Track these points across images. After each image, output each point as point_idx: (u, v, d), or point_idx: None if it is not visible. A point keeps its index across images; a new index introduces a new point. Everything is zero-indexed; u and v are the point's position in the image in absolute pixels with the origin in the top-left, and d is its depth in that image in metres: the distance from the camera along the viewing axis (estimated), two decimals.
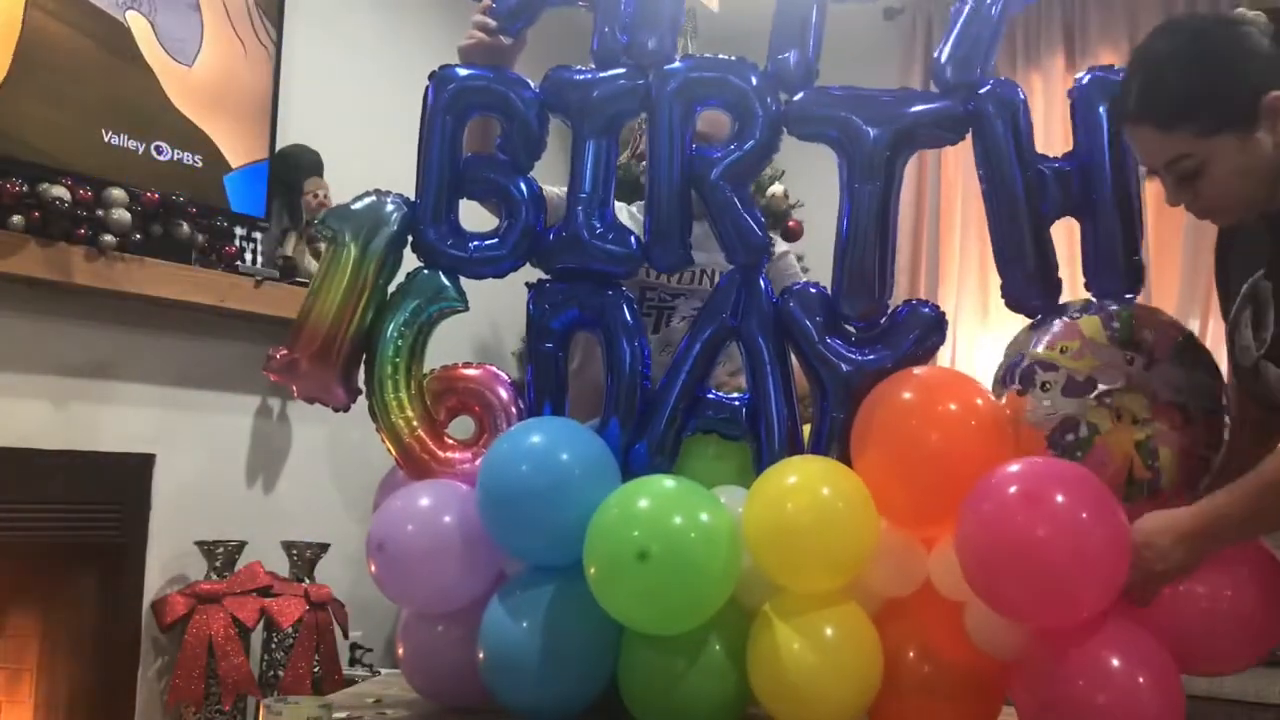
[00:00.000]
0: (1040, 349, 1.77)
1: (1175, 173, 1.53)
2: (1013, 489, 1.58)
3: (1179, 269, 3.96)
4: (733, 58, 1.98)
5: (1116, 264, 1.85)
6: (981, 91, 1.90)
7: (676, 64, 1.99)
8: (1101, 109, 1.85)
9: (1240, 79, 1.49)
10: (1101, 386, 1.71)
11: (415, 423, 1.98)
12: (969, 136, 1.93)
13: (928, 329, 1.90)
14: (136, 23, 2.90)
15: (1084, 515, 1.54)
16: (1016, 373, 1.78)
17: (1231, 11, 1.56)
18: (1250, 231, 1.64)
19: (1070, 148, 1.90)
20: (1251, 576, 1.65)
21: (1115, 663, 1.55)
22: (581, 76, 2.01)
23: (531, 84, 2.03)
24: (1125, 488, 1.68)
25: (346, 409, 2.05)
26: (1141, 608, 1.60)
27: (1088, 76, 1.89)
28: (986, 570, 1.59)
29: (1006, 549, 1.55)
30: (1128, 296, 1.84)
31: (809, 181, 3.68)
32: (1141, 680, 1.56)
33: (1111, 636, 1.58)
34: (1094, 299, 1.85)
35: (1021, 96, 1.91)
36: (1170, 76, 1.52)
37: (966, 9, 1.94)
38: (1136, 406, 1.70)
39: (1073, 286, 1.93)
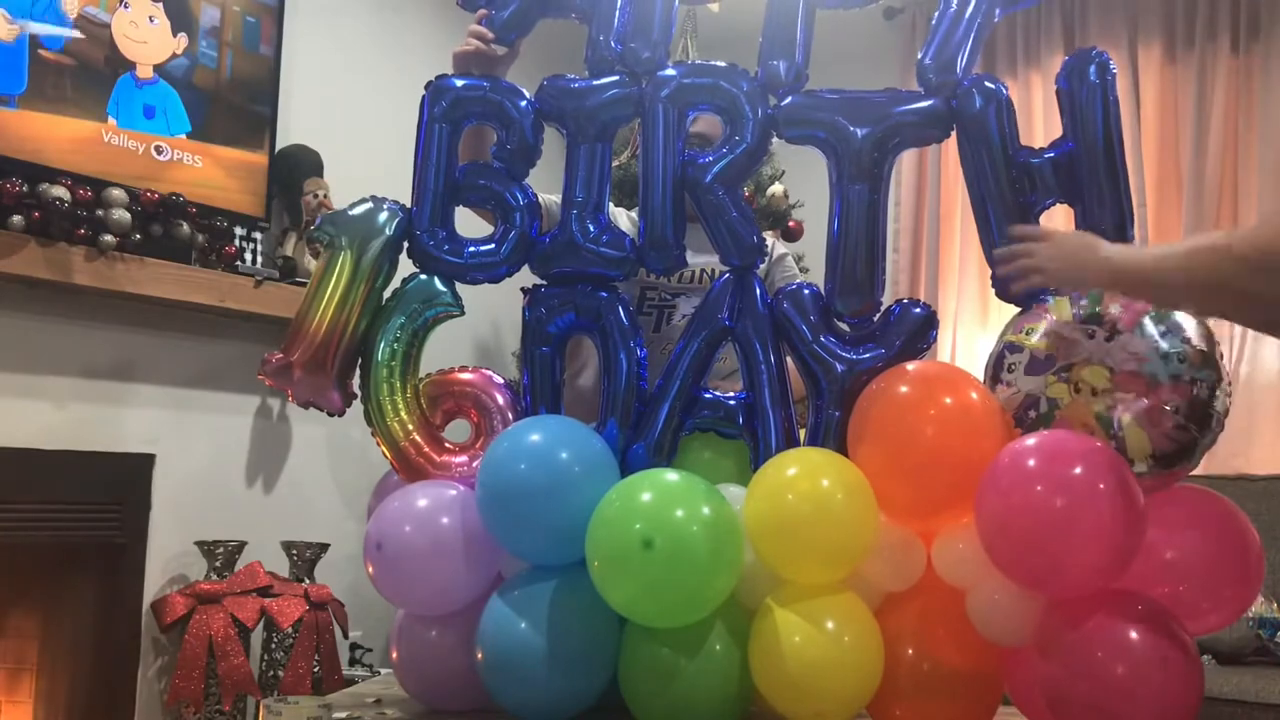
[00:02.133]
0: (1009, 334, 1.83)
1: None
2: (1030, 462, 1.62)
3: None
4: (724, 63, 2.00)
5: None
6: (963, 89, 1.93)
7: (669, 70, 2.01)
8: (1093, 84, 1.87)
9: None
10: (1060, 362, 1.75)
11: (411, 427, 1.98)
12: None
13: (920, 328, 1.92)
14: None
15: (1100, 484, 1.57)
16: (991, 364, 1.83)
17: None
18: None
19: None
20: (1223, 533, 1.69)
21: (1133, 634, 1.58)
22: (576, 84, 2.03)
23: (526, 93, 2.05)
24: None
25: (341, 414, 2.06)
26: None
27: (1074, 59, 1.92)
28: (1007, 539, 1.62)
29: (1026, 517, 1.58)
30: None
31: (809, 182, 3.67)
32: (1160, 649, 1.58)
33: (1124, 609, 1.61)
34: None
35: (1004, 91, 1.93)
36: None
37: (950, 11, 1.97)
38: (1095, 378, 1.73)
39: None
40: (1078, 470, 1.59)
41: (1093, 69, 1.89)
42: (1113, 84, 1.90)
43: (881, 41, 4.44)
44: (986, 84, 1.93)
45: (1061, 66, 1.93)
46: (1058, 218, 1.97)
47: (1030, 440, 1.67)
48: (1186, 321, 1.75)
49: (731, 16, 3.60)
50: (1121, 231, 1.85)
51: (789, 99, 1.99)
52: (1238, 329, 3.72)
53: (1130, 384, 1.72)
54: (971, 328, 4.32)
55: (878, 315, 1.95)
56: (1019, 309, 1.90)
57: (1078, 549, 1.57)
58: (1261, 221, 1.46)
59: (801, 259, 3.39)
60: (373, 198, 2.05)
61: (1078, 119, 1.89)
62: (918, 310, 1.93)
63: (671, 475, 1.79)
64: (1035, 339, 1.79)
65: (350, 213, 2.03)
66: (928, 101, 1.96)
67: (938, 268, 4.43)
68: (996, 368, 1.82)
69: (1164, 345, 1.72)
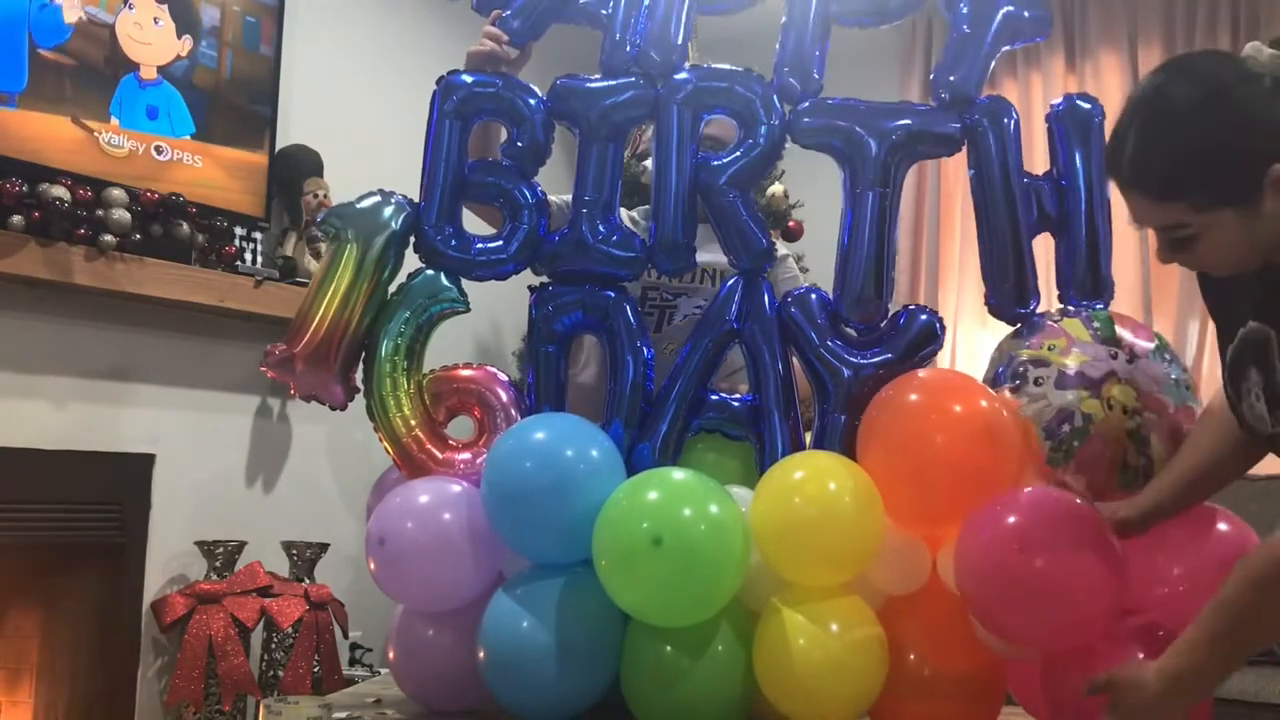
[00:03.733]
0: (1028, 350, 1.84)
1: (1168, 238, 1.40)
2: (1011, 520, 1.62)
3: (1179, 271, 3.96)
4: (740, 68, 2.03)
5: (1086, 277, 1.95)
6: (975, 110, 1.98)
7: (684, 74, 2.03)
8: (1075, 136, 1.97)
9: (1243, 151, 1.33)
10: (1091, 378, 1.77)
11: (414, 423, 1.98)
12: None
13: (927, 334, 1.94)
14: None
15: (1080, 546, 1.58)
16: (1007, 373, 1.84)
17: (1243, 53, 1.38)
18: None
19: None
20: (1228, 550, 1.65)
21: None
22: (590, 85, 2.04)
23: (538, 91, 2.06)
24: (1119, 474, 1.74)
25: (344, 407, 2.06)
26: None
27: (1062, 105, 2.01)
28: (988, 599, 1.63)
29: (1006, 580, 1.59)
30: (1099, 306, 1.93)
31: (809, 182, 3.68)
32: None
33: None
34: (1069, 308, 1.95)
35: (1014, 116, 2.00)
36: (1166, 146, 1.35)
37: (962, 33, 2.01)
38: (1126, 397, 1.76)
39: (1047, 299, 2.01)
40: (1057, 536, 1.60)
41: (1077, 115, 1.98)
42: (1098, 127, 1.98)
43: (882, 42, 4.44)
44: (998, 107, 1.98)
45: (1051, 106, 2.03)
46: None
47: (1006, 502, 1.67)
48: (1177, 355, 1.86)
49: (732, 17, 3.61)
50: (1098, 265, 1.94)
51: (805, 104, 2.01)
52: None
53: (1154, 404, 1.77)
54: (971, 327, 4.32)
55: (884, 321, 1.97)
56: (1010, 325, 1.95)
57: (1058, 617, 1.59)
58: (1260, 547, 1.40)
59: (801, 259, 3.39)
60: (380, 191, 2.04)
61: (1066, 159, 1.98)
62: (924, 317, 1.95)
63: (678, 474, 1.80)
64: (1059, 355, 1.81)
65: (357, 206, 2.02)
66: (941, 116, 1.99)
67: (938, 268, 4.43)
68: (1018, 379, 1.82)
69: (1173, 372, 1.81)
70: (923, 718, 1.76)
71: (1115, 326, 1.84)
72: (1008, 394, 1.81)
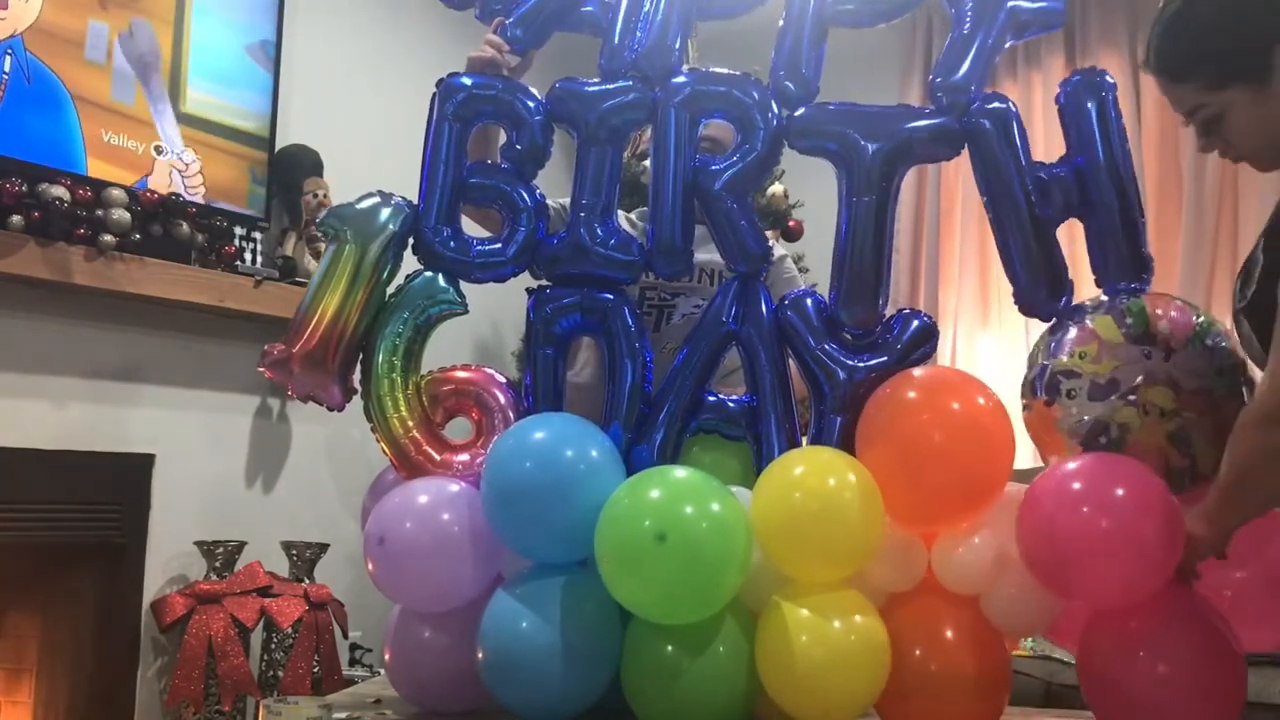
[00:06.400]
0: (1062, 357, 1.79)
1: (1196, 121, 1.56)
2: (1075, 485, 1.63)
3: (1179, 267, 3.96)
4: (738, 72, 2.03)
5: (1122, 258, 1.87)
6: (974, 108, 1.94)
7: (682, 77, 2.03)
8: (1091, 108, 1.90)
9: (1248, 29, 1.47)
10: (1124, 386, 1.73)
11: (411, 424, 1.98)
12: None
13: (920, 338, 1.94)
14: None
15: (1141, 503, 1.59)
16: (1041, 384, 1.80)
17: None
18: None
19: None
20: None
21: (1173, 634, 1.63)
22: (589, 88, 2.04)
23: (537, 94, 2.06)
24: (1165, 480, 1.69)
25: (341, 408, 2.06)
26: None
27: (1074, 79, 1.94)
28: (1053, 558, 1.63)
29: (1073, 539, 1.59)
30: (1136, 287, 1.85)
31: (809, 182, 3.67)
32: (1202, 649, 1.64)
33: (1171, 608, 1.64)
34: (1105, 295, 1.87)
35: (1014, 109, 1.95)
36: (1181, 29, 1.53)
37: (962, 34, 1.98)
38: (1162, 399, 1.72)
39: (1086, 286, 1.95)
40: (1120, 491, 1.60)
41: (1090, 86, 1.91)
42: (1112, 101, 1.91)
43: (882, 42, 4.44)
44: (997, 104, 1.94)
45: (1061, 86, 1.95)
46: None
47: (1072, 464, 1.68)
48: (1225, 335, 1.77)
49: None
50: (1135, 242, 1.86)
51: (801, 110, 2.01)
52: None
53: (1194, 402, 1.71)
54: (971, 327, 4.31)
55: (879, 325, 1.96)
56: (1044, 320, 1.90)
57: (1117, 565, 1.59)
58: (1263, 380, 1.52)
59: (801, 259, 3.39)
60: (379, 193, 2.05)
61: (1082, 137, 1.90)
62: (918, 322, 1.95)
63: (680, 472, 1.80)
64: (1090, 363, 1.76)
65: (356, 207, 2.03)
66: (939, 119, 1.96)
67: (938, 267, 4.42)
68: (1051, 391, 1.78)
69: (1217, 359, 1.74)
70: (927, 715, 1.76)
71: (1151, 319, 1.75)
72: (1043, 405, 1.79)
